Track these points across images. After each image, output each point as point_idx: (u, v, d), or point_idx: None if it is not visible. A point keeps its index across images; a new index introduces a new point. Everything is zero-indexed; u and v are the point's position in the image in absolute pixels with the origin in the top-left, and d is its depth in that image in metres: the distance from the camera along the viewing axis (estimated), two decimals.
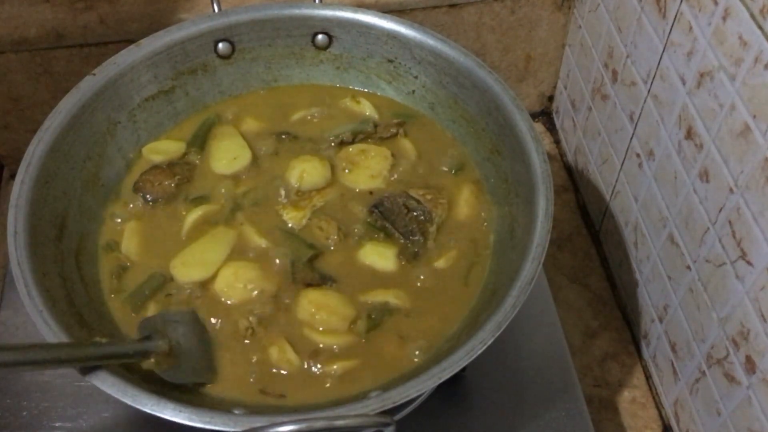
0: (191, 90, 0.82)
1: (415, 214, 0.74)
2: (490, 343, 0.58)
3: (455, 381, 0.77)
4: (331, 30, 0.82)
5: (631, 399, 0.95)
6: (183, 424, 0.55)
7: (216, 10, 0.80)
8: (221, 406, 0.61)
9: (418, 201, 0.75)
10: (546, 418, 0.77)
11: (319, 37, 0.83)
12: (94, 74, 0.75)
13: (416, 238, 0.73)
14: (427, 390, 0.58)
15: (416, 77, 0.82)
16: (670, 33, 0.80)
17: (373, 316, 0.68)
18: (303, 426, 0.52)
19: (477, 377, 0.79)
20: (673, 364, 0.89)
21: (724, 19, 0.70)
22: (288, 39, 0.83)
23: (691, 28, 0.75)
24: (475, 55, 0.77)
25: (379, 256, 0.72)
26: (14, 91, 1.00)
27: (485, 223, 0.75)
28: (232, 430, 0.55)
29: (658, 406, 0.94)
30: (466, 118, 0.80)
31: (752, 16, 0.65)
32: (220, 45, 0.81)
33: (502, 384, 0.79)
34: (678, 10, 0.78)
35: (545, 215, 0.65)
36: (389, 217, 0.74)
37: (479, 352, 0.58)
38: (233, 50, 0.82)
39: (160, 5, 0.96)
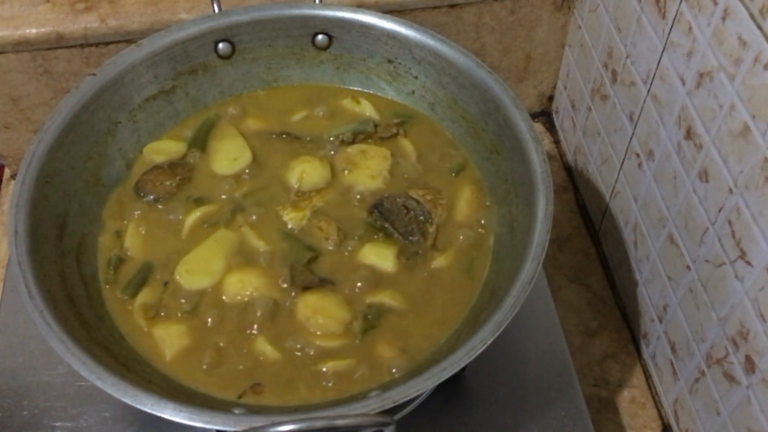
0: (191, 90, 0.82)
1: (414, 214, 0.74)
2: (490, 342, 0.58)
3: (455, 381, 0.77)
4: (331, 30, 0.82)
5: (631, 399, 0.95)
6: (183, 423, 0.55)
7: (216, 10, 0.80)
8: (221, 406, 0.61)
9: (417, 201, 0.75)
10: (546, 418, 0.77)
11: (319, 37, 0.83)
12: (95, 74, 0.75)
13: (415, 238, 0.73)
14: (427, 390, 0.58)
15: (416, 77, 0.82)
16: (669, 33, 0.80)
17: (369, 317, 0.68)
18: (303, 425, 0.51)
19: (477, 377, 0.79)
20: (672, 363, 0.89)
21: (723, 19, 0.70)
22: (288, 39, 0.83)
23: (690, 28, 0.75)
24: (475, 55, 0.77)
25: (378, 257, 0.72)
26: (14, 91, 1.00)
27: (485, 224, 0.75)
28: (232, 429, 0.55)
29: (658, 405, 0.94)
30: (466, 118, 0.80)
31: (752, 16, 0.65)
32: (221, 45, 0.81)
33: (502, 384, 0.79)
34: (678, 11, 0.78)
35: (545, 215, 0.65)
36: (389, 217, 0.74)
37: (479, 351, 0.58)
38: (233, 50, 0.82)
39: (160, 5, 0.96)
